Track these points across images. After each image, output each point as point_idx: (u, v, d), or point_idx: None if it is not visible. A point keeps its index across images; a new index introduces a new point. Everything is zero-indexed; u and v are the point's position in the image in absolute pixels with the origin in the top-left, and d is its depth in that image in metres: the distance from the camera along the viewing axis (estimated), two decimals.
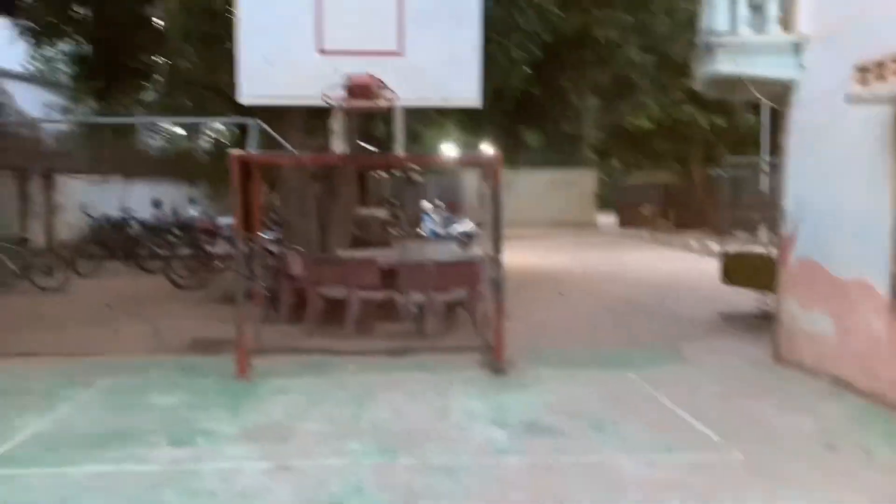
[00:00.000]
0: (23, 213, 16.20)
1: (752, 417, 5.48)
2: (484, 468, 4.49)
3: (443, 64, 6.31)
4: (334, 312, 8.82)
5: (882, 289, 5.69)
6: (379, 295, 8.58)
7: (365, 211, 18.00)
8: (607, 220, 36.25)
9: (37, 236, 16.20)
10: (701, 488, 4.17)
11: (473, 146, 16.34)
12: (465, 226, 21.79)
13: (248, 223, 8.94)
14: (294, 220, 10.38)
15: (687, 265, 16.89)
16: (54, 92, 17.21)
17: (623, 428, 5.24)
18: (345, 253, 9.78)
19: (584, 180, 36.21)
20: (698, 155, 26.66)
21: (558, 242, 24.59)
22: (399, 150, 7.22)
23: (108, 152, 18.97)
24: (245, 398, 6.08)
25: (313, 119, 11.65)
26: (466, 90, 6.36)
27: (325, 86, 6.14)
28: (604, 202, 41.13)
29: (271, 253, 11.25)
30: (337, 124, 6.67)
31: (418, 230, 20.03)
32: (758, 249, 10.24)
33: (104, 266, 14.61)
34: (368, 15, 6.23)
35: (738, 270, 9.47)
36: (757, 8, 7.16)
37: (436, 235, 20.31)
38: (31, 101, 17.30)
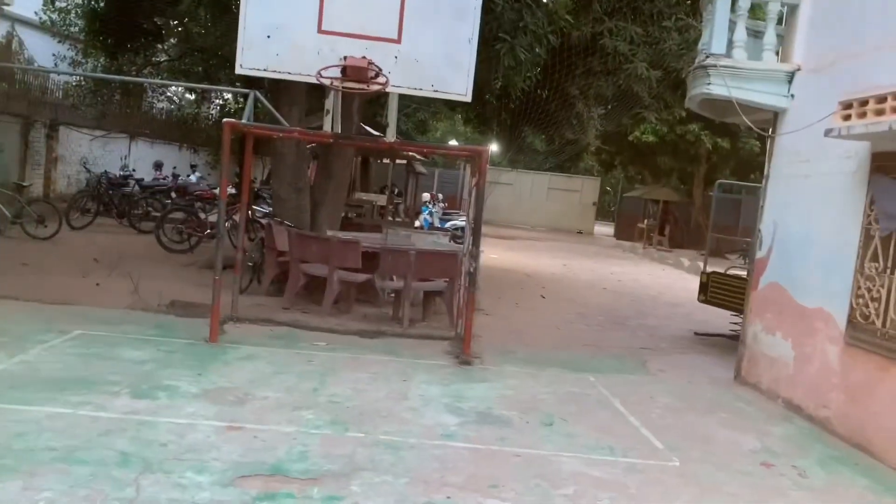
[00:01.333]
0: (23, 161, 16.29)
1: (698, 430, 5.62)
2: (428, 448, 4.62)
3: (438, 55, 6.41)
4: (315, 289, 8.97)
5: (840, 320, 5.83)
6: (359, 277, 8.71)
7: (364, 195, 18.13)
8: (605, 229, 36.36)
9: (35, 185, 16.32)
10: (632, 489, 4.31)
11: (480, 143, 16.44)
12: (460, 221, 21.95)
13: (237, 192, 9.08)
14: (286, 195, 10.47)
15: (673, 282, 17.04)
16: (65, 44, 17.27)
17: (572, 427, 5.37)
18: (331, 233, 9.89)
19: (586, 188, 36.26)
20: (701, 175, 26.80)
21: (552, 246, 24.72)
22: (391, 135, 7.36)
23: (115, 110, 19.07)
24: (211, 361, 6.21)
25: (316, 99, 11.78)
26: (458, 83, 6.45)
27: (321, 64, 6.24)
28: (604, 212, 41.34)
29: (261, 225, 11.37)
30: (330, 103, 6.80)
31: (415, 221, 20.17)
32: (738, 272, 10.37)
33: (97, 221, 14.78)
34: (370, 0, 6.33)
35: (715, 290, 9.59)
36: (756, 34, 7.29)
37: (431, 227, 20.47)
38: (42, 51, 17.35)
